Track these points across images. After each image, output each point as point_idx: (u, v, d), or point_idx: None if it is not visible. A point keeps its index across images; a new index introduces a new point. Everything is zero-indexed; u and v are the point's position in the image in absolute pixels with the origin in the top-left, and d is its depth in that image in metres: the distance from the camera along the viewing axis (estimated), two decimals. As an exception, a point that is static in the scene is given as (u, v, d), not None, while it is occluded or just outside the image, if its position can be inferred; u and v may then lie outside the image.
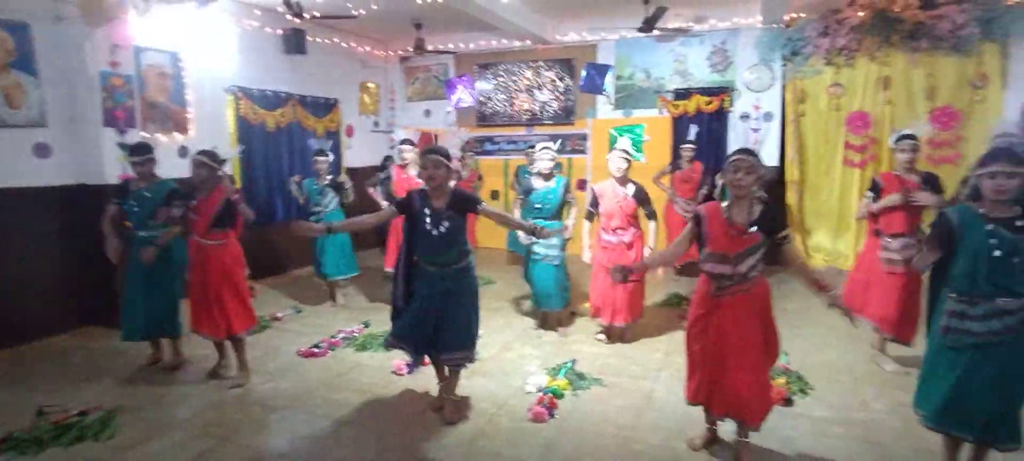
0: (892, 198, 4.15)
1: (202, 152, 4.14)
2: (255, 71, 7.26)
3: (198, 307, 4.15)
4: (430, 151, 3.40)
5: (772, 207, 2.96)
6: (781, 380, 3.98)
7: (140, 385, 4.22)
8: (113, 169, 5.47)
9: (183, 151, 6.32)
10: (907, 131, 4.27)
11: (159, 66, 6.05)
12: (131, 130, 5.69)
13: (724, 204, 2.96)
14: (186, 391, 4.13)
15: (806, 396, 3.92)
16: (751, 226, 2.85)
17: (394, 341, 3.62)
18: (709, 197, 6.82)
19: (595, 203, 4.72)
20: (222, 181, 4.22)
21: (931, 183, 4.12)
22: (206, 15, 6.14)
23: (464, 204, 3.46)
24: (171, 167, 6.10)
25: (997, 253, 2.54)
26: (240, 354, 4.32)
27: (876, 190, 4.27)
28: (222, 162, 4.20)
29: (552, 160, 4.86)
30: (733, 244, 2.85)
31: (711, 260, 2.92)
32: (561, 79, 8.98)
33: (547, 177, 4.90)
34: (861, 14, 7.18)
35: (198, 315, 4.16)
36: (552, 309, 5.10)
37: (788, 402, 3.79)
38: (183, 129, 6.33)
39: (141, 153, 4.29)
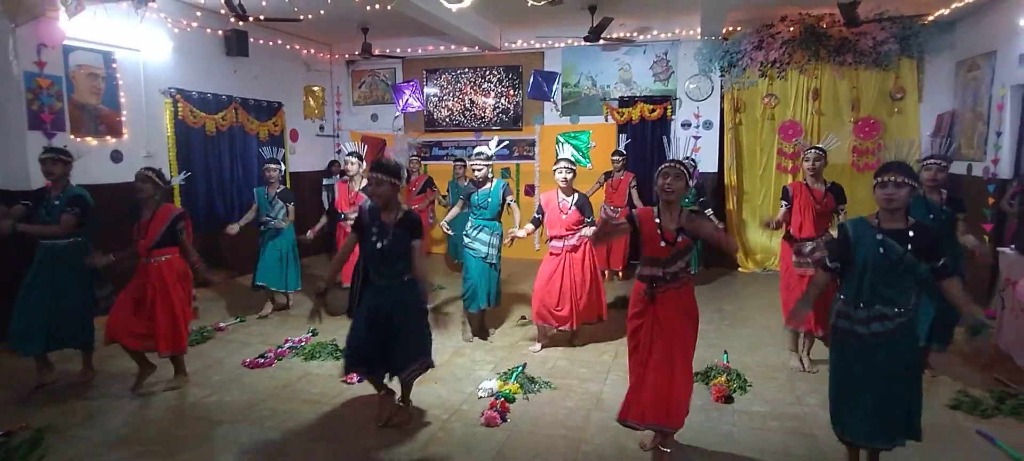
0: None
1: (151, 169, 4.04)
2: (194, 73, 7.02)
3: (122, 314, 3.96)
4: (375, 168, 3.41)
5: (700, 213, 3.12)
6: (722, 378, 4.17)
7: (68, 402, 4.01)
8: (41, 175, 5.14)
9: (116, 155, 6.05)
10: (817, 145, 4.55)
11: (90, 66, 5.77)
12: (59, 133, 5.41)
13: (655, 209, 3.13)
14: (118, 407, 3.95)
15: (745, 393, 4.12)
16: (679, 232, 3.02)
17: (348, 367, 3.61)
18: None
19: (541, 211, 4.87)
20: (168, 201, 4.15)
21: (835, 191, 4.40)
22: (142, 15, 5.89)
23: (410, 227, 3.45)
24: (104, 172, 5.86)
25: (884, 263, 2.68)
26: (176, 359, 4.23)
27: (788, 198, 4.51)
28: (168, 182, 4.14)
29: (485, 166, 5.05)
30: (663, 249, 3.04)
31: (644, 264, 3.11)
32: (509, 85, 9.06)
33: (482, 183, 5.07)
34: (792, 29, 7.61)
35: (118, 321, 3.94)
36: (481, 307, 5.11)
37: (729, 399, 3.97)
38: (117, 132, 6.06)
39: (49, 151, 4.14)
